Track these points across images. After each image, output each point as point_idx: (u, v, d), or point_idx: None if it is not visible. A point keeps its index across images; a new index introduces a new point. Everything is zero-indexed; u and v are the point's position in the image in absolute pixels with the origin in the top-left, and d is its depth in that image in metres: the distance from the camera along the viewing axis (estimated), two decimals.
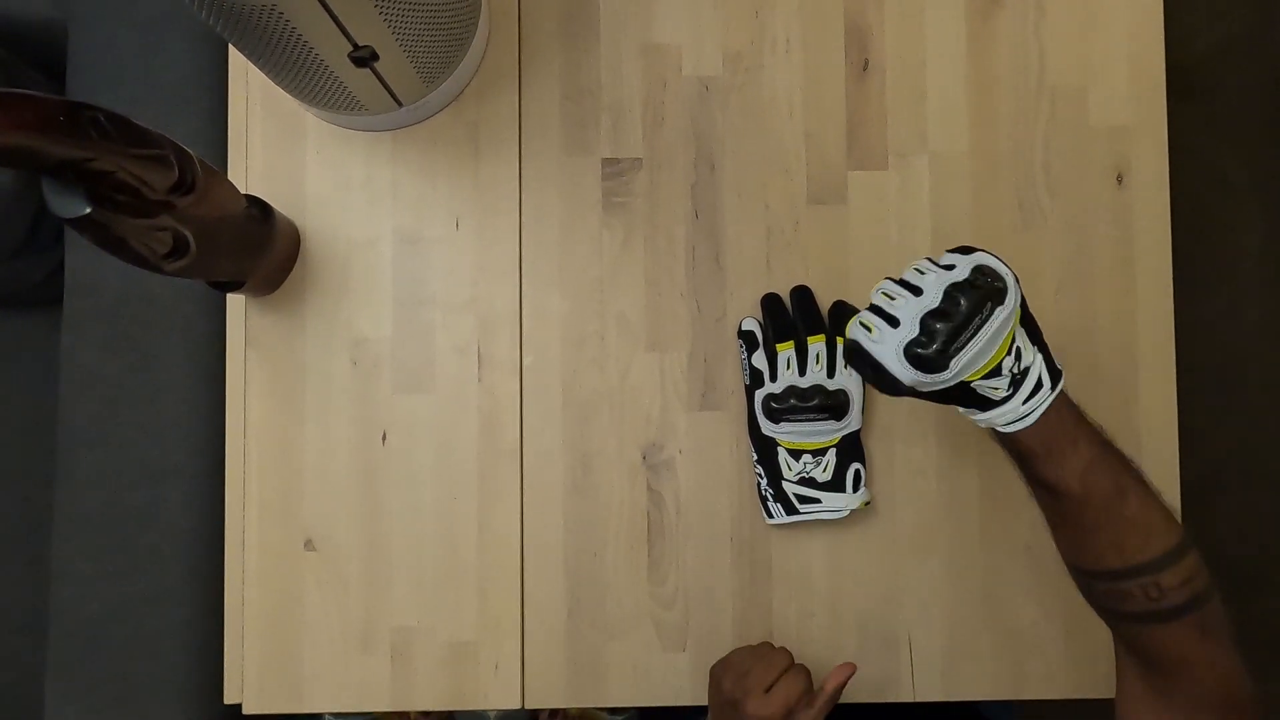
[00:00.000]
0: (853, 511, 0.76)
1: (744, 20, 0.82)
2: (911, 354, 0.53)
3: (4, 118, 0.45)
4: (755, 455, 0.78)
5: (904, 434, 0.80)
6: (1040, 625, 0.79)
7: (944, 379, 0.54)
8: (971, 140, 0.81)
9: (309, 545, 0.78)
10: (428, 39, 0.69)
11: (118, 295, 0.88)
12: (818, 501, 0.76)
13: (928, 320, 0.53)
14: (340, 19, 0.60)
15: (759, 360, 0.76)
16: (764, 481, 0.77)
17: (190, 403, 0.88)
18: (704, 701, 0.78)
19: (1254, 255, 0.89)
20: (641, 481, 0.79)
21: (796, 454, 0.76)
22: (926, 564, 0.79)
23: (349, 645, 0.78)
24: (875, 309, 0.55)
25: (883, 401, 0.79)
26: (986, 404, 0.55)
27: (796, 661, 0.68)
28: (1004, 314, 0.53)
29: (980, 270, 0.53)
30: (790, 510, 0.76)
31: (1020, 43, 0.82)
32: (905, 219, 0.81)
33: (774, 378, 0.75)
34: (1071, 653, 0.79)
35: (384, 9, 0.61)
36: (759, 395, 0.76)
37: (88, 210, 0.51)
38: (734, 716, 0.67)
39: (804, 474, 0.76)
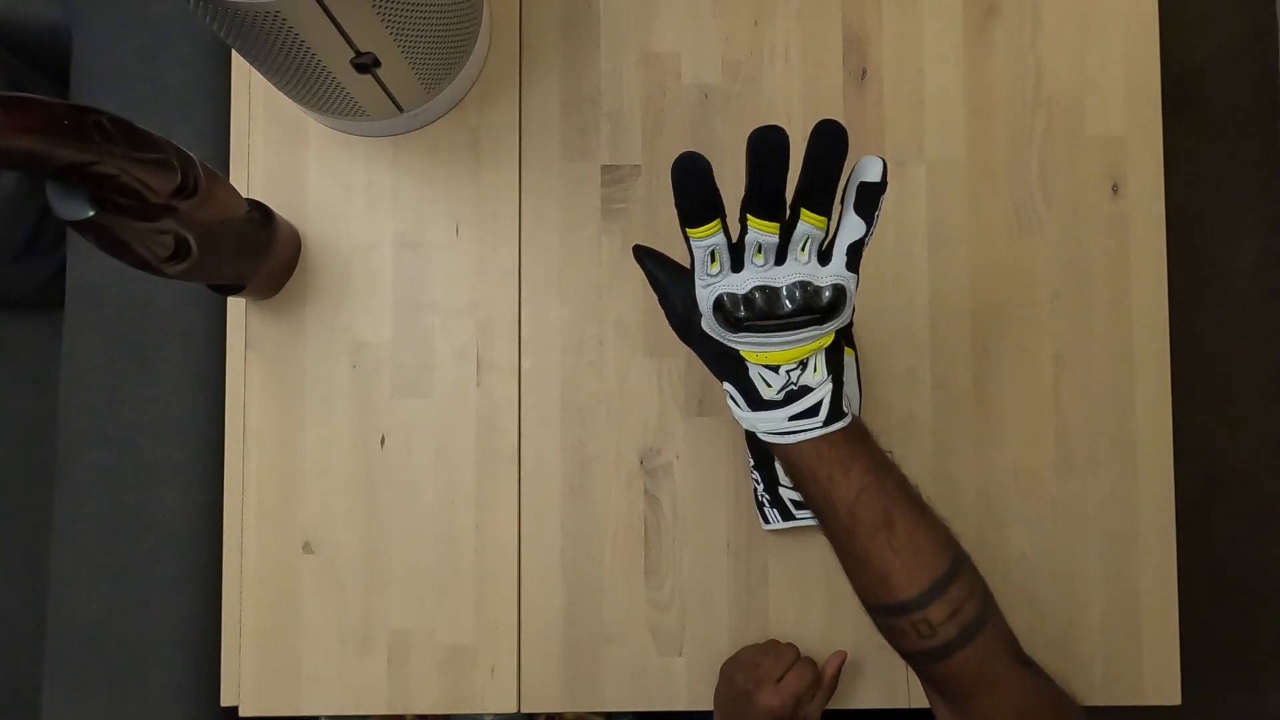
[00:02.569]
0: None
1: (743, 29, 0.82)
2: (719, 301, 0.53)
3: (9, 121, 0.46)
4: (752, 460, 0.78)
5: (899, 440, 0.80)
6: (1034, 632, 0.78)
7: (725, 336, 0.54)
8: (968, 149, 0.82)
9: (307, 548, 0.79)
10: (430, 46, 0.69)
11: (119, 298, 0.88)
12: None
13: (754, 293, 0.52)
14: (343, 25, 0.60)
15: None
16: (760, 487, 0.77)
17: (190, 405, 0.88)
18: (700, 705, 0.78)
19: (1250, 265, 0.89)
20: (639, 486, 0.80)
21: None
22: None
23: (346, 648, 0.78)
24: (736, 249, 0.53)
25: (880, 407, 0.80)
26: (756, 399, 0.55)
27: (803, 655, 0.73)
28: (817, 332, 0.53)
29: (839, 291, 0.52)
30: (786, 515, 0.76)
31: (1017, 53, 0.83)
32: (902, 227, 0.81)
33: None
34: (1066, 659, 0.79)
35: (386, 16, 0.62)
36: None
37: (91, 213, 0.52)
38: (747, 708, 0.70)
39: None
